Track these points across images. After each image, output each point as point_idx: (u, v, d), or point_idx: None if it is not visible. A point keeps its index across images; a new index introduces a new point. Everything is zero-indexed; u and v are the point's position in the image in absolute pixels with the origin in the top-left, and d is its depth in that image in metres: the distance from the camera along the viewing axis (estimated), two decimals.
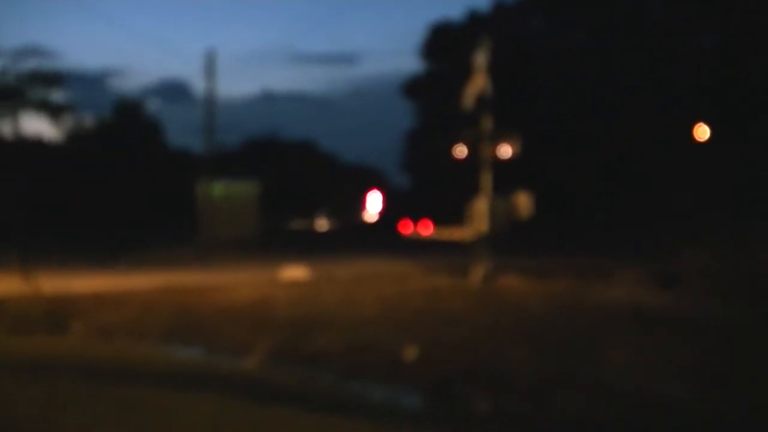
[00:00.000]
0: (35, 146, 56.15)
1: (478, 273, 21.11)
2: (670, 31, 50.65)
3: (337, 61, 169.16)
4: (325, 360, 10.72)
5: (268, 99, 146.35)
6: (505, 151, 22.65)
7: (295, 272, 23.08)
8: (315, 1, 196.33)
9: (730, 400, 8.53)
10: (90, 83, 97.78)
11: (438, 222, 55.51)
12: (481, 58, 22.49)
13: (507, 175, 24.73)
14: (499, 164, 22.89)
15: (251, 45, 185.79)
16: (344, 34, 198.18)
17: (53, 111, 56.40)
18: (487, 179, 22.71)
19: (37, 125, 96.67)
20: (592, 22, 55.50)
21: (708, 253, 29.33)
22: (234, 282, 20.50)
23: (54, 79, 55.86)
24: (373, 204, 60.04)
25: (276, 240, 43.12)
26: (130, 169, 58.73)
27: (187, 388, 9.12)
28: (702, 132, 42.84)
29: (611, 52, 51.52)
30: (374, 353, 11.04)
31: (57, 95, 56.81)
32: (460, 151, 23.57)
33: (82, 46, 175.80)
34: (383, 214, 63.92)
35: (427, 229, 57.26)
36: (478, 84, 22.47)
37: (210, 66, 43.60)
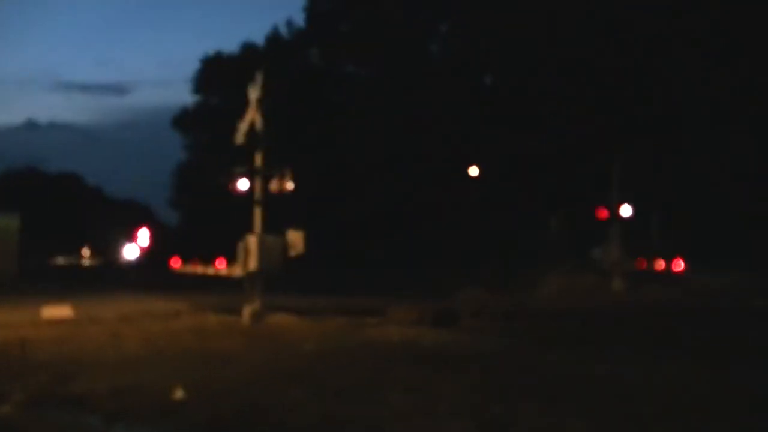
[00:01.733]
0: None
1: (248, 311, 20.84)
2: (449, 67, 52.10)
3: (106, 91, 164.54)
4: (90, 403, 10.26)
5: (32, 128, 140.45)
6: (278, 186, 22.44)
7: (57, 311, 22.05)
8: (83, 27, 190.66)
9: None
10: None
11: (207, 259, 54.58)
12: (254, 92, 22.22)
13: (284, 212, 24.49)
14: (274, 200, 22.64)
15: (14, 71, 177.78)
16: (115, 63, 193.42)
17: None
18: (258, 215, 22.47)
19: None
20: (367, 56, 56.48)
21: (483, 292, 30.40)
22: None
23: None
24: (140, 240, 58.38)
25: (38, 276, 41.23)
26: None
27: None
28: (473, 170, 44.64)
29: (392, 87, 52.33)
30: (142, 395, 10.68)
31: None
32: (240, 184, 22.77)
33: None
34: (151, 250, 62.23)
35: (195, 266, 56.21)
36: (251, 118, 22.21)
37: None
